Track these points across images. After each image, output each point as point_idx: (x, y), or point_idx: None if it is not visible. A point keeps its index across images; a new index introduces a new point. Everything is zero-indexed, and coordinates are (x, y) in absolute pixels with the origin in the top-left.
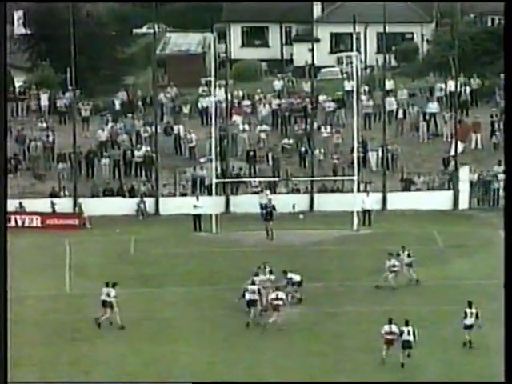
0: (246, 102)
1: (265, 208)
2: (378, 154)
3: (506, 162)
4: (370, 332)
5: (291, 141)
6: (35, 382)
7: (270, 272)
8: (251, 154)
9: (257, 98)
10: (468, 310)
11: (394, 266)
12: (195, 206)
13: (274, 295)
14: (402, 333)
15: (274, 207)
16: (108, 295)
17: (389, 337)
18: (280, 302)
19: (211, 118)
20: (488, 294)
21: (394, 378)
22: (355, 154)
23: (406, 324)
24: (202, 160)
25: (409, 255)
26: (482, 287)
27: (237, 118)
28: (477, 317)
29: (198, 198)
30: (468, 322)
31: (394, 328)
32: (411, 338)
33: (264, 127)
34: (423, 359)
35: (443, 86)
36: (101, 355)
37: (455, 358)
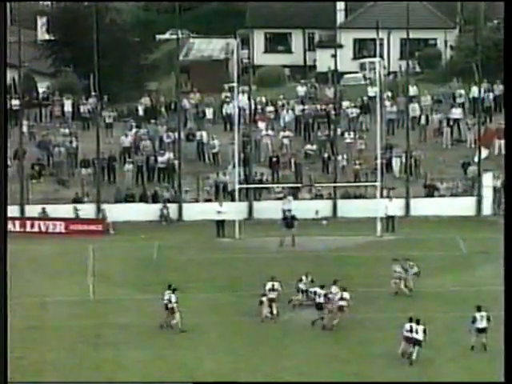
0: (269, 108)
1: (287, 213)
2: (401, 160)
3: (506, 162)
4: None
5: (314, 147)
6: (35, 382)
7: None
8: (274, 159)
9: (280, 103)
10: (478, 314)
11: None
12: (219, 212)
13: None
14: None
15: (293, 216)
16: (170, 301)
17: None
18: (344, 303)
19: (234, 124)
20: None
21: None
22: (378, 160)
23: (418, 323)
24: (229, 167)
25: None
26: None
27: (260, 124)
28: (488, 320)
29: (221, 204)
30: (480, 325)
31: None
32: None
33: (287, 133)
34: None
35: (467, 91)
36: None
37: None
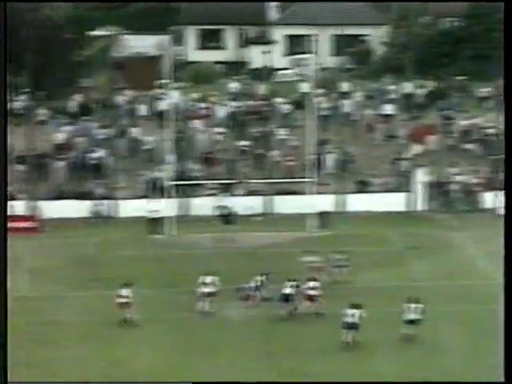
0: (203, 105)
1: (223, 210)
2: (334, 156)
3: (505, 162)
4: None
5: (247, 142)
6: (35, 381)
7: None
8: (208, 156)
9: (213, 100)
10: (412, 306)
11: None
12: (152, 211)
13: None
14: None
15: (230, 212)
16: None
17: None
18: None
19: (168, 121)
20: (442, 296)
21: None
22: (311, 156)
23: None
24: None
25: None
26: (437, 289)
27: (193, 121)
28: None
29: (154, 203)
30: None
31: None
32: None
33: (220, 129)
34: None
35: (398, 87)
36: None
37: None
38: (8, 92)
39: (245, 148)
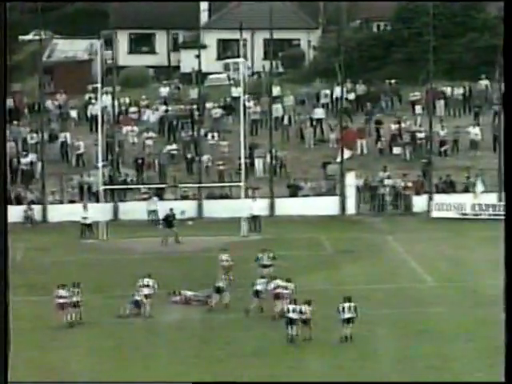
0: (134, 109)
1: (153, 214)
2: (264, 160)
3: (505, 161)
4: None
5: (175, 146)
6: (35, 381)
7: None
8: (138, 160)
9: (144, 104)
10: (346, 305)
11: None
12: (83, 216)
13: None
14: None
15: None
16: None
17: None
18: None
19: (100, 125)
20: (374, 299)
21: None
22: (242, 160)
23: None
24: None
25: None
26: (368, 292)
27: (125, 125)
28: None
29: (85, 207)
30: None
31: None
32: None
33: (151, 134)
34: None
35: (329, 92)
36: None
37: None
38: None
39: (174, 151)
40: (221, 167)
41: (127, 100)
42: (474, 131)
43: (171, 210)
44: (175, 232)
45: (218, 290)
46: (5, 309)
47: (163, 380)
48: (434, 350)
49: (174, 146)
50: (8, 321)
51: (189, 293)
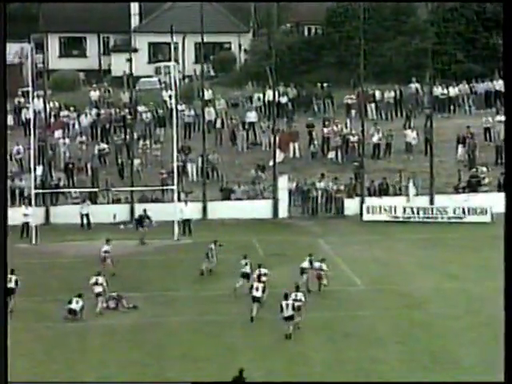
0: (65, 113)
1: (86, 218)
2: (197, 164)
3: (506, 162)
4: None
5: (105, 145)
6: (35, 381)
7: None
8: (69, 165)
9: (74, 108)
10: (284, 303)
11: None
12: (25, 215)
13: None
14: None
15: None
16: None
17: None
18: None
19: (31, 129)
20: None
21: None
22: (174, 164)
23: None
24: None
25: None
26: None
27: (56, 129)
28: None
29: (16, 211)
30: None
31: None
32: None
33: (83, 138)
34: None
35: (261, 95)
36: None
37: None
38: None
39: (106, 152)
40: (153, 171)
41: (58, 104)
42: (411, 134)
43: (144, 210)
44: (142, 233)
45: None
46: (4, 309)
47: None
48: (362, 353)
49: (104, 146)
50: (7, 322)
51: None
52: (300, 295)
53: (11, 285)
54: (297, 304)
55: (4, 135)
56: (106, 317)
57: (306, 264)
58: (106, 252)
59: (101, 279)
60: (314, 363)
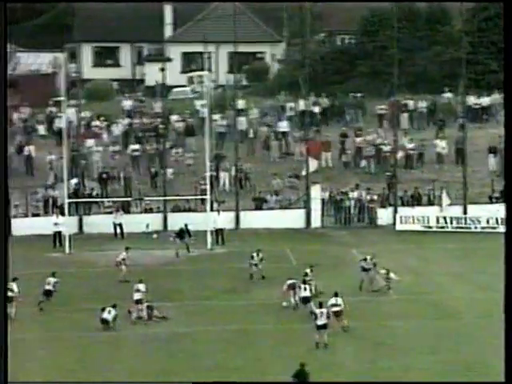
0: (98, 122)
1: (119, 227)
2: (230, 173)
3: (505, 163)
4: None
5: (138, 146)
6: (35, 381)
7: None
8: (103, 174)
9: (108, 117)
10: (318, 311)
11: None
12: (56, 224)
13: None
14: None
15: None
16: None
17: None
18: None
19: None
20: None
21: None
22: (207, 174)
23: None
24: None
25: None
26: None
27: (89, 139)
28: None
29: (50, 221)
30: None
31: None
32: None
33: (115, 147)
34: None
35: (294, 105)
36: None
37: None
38: None
39: (140, 165)
40: (186, 180)
41: (91, 113)
42: (441, 144)
43: (186, 225)
44: (185, 244)
45: None
46: (4, 309)
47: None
48: (396, 363)
49: (137, 146)
50: (7, 322)
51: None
52: (340, 300)
53: (49, 287)
54: (336, 309)
55: (4, 135)
56: (138, 326)
57: (366, 264)
58: (123, 259)
59: (142, 287)
60: (344, 372)
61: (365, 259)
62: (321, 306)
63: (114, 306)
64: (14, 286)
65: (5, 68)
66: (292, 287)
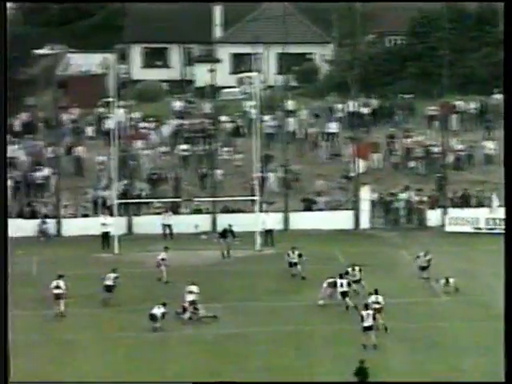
0: (148, 123)
1: (168, 228)
2: (278, 175)
3: (505, 162)
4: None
5: (187, 146)
6: (35, 381)
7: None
8: (153, 175)
9: (158, 118)
10: (365, 313)
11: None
12: (96, 229)
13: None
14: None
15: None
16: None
17: None
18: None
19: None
20: (386, 313)
21: None
22: (256, 174)
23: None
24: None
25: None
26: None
27: (137, 139)
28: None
29: (98, 221)
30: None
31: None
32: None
33: (165, 148)
34: None
35: (343, 106)
36: None
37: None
38: None
39: (189, 166)
40: (234, 181)
41: (141, 114)
42: (490, 146)
43: (230, 225)
44: (227, 245)
45: None
46: (5, 310)
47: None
48: (444, 365)
49: (186, 146)
50: (7, 322)
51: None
52: (380, 298)
53: (109, 282)
54: (377, 306)
55: (4, 134)
56: (188, 327)
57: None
58: (162, 260)
59: (195, 288)
60: (393, 373)
61: (418, 257)
62: (366, 307)
63: (164, 304)
64: (61, 283)
65: (5, 68)
66: (333, 285)
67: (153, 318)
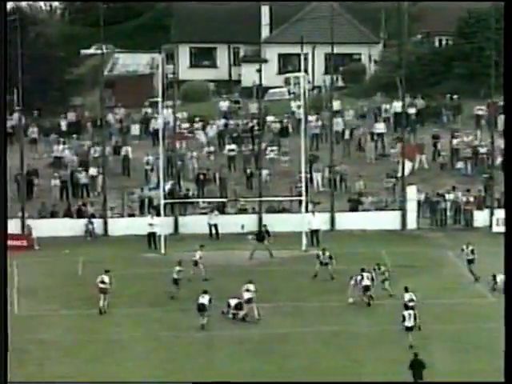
0: (195, 123)
1: (214, 228)
2: (324, 174)
3: (505, 162)
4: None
5: (234, 146)
6: (35, 382)
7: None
8: (199, 175)
9: (204, 118)
10: (406, 313)
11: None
12: (150, 225)
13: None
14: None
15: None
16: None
17: None
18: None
19: (160, 139)
20: (431, 314)
21: None
22: (303, 175)
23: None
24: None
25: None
26: (425, 307)
27: (185, 139)
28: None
29: (145, 221)
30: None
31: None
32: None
33: (211, 148)
34: None
35: (390, 106)
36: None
37: None
38: None
39: (236, 166)
40: (281, 181)
41: (188, 114)
42: None
43: (265, 226)
44: (267, 246)
45: None
46: (4, 310)
47: None
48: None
49: (233, 147)
50: (7, 322)
51: None
52: (413, 296)
53: (175, 276)
54: (411, 304)
55: (4, 135)
56: (232, 327)
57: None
58: (200, 258)
59: (252, 287)
60: (438, 374)
61: (462, 249)
62: (406, 307)
63: (205, 292)
64: (105, 278)
65: (5, 68)
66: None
67: (200, 307)
